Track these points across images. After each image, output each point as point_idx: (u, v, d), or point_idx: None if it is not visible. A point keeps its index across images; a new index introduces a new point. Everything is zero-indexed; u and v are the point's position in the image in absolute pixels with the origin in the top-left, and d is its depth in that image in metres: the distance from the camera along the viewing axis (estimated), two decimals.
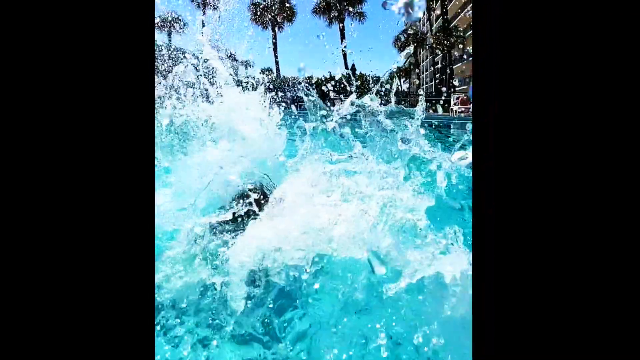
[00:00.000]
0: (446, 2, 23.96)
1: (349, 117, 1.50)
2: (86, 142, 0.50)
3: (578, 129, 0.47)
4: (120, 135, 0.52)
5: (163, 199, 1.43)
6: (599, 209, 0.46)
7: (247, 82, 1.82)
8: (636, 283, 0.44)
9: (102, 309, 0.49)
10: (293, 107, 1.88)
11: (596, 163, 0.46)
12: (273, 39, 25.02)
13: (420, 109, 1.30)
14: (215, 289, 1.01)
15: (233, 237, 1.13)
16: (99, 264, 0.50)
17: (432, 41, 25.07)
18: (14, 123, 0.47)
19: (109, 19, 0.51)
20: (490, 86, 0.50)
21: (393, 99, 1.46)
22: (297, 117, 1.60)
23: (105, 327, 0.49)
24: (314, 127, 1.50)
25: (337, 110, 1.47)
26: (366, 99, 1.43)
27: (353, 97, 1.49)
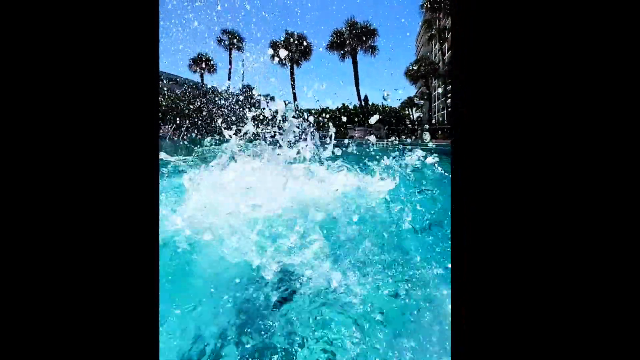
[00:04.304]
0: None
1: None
2: (96, 147, 0.51)
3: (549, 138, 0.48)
4: (125, 139, 0.53)
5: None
6: (584, 217, 0.47)
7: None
8: (621, 288, 0.45)
9: (106, 310, 0.49)
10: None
11: (577, 171, 0.47)
12: (291, 74, 26.59)
13: None
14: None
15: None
16: (104, 265, 0.50)
17: (443, 71, 25.73)
18: (40, 133, 0.48)
19: (116, 26, 0.53)
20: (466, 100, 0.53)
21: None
22: None
23: (109, 327, 0.49)
24: None
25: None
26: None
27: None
